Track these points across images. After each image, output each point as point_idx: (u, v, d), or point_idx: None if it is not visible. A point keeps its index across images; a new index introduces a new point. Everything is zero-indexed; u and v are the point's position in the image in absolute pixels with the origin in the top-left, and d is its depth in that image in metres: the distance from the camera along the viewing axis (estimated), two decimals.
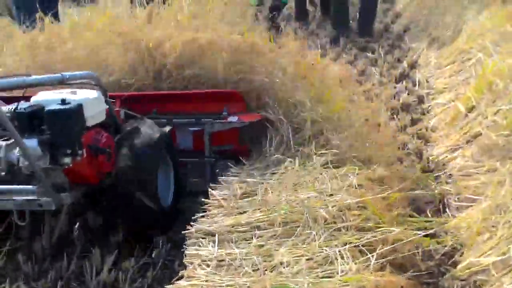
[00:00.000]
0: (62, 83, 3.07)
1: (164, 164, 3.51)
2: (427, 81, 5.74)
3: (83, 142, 2.94)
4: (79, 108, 2.93)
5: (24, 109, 2.90)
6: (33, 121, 2.90)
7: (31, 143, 2.85)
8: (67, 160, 2.87)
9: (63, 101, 2.88)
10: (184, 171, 3.79)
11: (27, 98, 3.15)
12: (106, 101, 3.29)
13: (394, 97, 5.44)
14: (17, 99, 3.14)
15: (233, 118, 3.72)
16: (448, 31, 6.77)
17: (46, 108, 2.87)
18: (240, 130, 3.78)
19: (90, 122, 3.06)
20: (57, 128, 2.85)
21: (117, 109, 3.55)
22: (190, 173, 3.87)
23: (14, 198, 2.95)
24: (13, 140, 2.87)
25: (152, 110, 3.82)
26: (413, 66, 6.41)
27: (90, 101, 3.09)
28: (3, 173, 2.96)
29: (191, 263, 2.60)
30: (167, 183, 3.55)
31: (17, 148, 2.89)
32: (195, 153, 3.85)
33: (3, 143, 2.95)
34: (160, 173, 3.43)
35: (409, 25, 8.35)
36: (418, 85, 5.68)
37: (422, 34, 7.53)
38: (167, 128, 3.55)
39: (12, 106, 2.95)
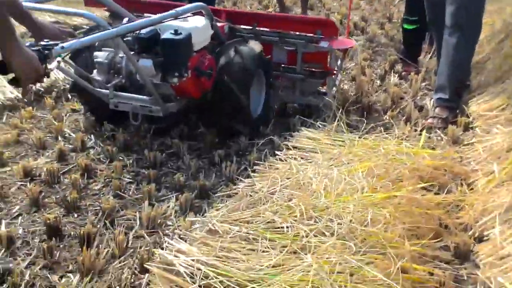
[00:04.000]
0: (176, 17, 3.53)
1: (258, 78, 3.98)
2: None
3: (189, 65, 3.48)
4: (189, 37, 3.42)
5: (144, 34, 3.43)
6: (150, 44, 3.45)
7: (147, 63, 3.45)
8: (175, 80, 3.45)
9: (176, 31, 3.38)
10: (277, 83, 4.28)
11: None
12: (212, 26, 3.76)
13: None
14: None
15: (324, 44, 4.08)
16: None
17: (161, 36, 3.39)
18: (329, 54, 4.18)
19: (197, 47, 3.57)
20: (169, 54, 3.40)
21: (221, 24, 4.00)
22: (282, 86, 4.36)
23: (131, 102, 3.62)
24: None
25: (253, 24, 4.23)
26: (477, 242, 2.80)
27: (199, 29, 3.58)
28: (123, 81, 3.62)
29: None
30: (259, 97, 4.06)
31: None
32: (288, 67, 4.31)
33: (125, 56, 3.55)
34: (254, 87, 3.92)
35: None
36: None
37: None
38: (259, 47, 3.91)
39: (136, 32, 3.47)
